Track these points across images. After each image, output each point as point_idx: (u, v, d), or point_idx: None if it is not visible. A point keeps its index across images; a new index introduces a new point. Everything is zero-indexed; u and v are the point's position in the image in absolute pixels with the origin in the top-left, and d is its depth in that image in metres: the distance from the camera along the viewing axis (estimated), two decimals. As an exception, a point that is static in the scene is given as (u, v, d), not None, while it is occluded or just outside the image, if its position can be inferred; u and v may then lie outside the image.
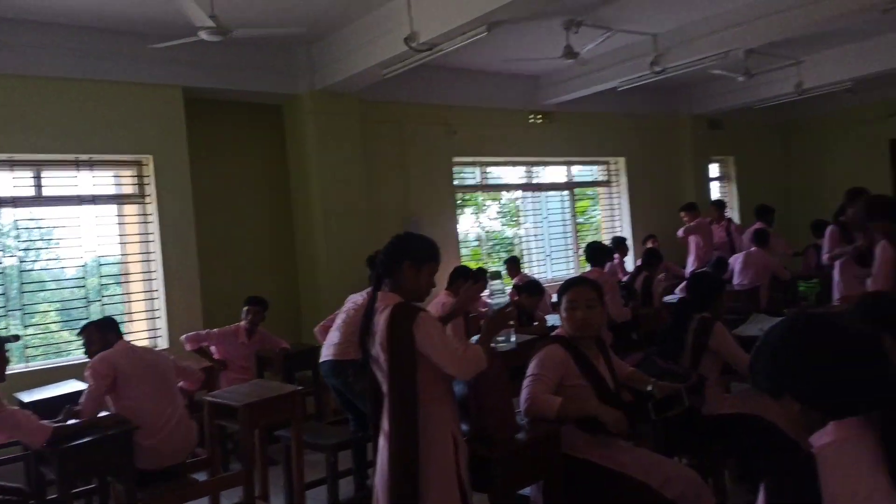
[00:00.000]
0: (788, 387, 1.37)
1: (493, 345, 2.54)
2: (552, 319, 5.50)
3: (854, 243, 5.12)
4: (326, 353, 4.19)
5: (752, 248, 7.31)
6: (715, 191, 10.91)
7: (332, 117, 6.44)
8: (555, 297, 6.35)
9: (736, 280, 7.16)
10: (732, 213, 11.00)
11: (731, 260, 7.56)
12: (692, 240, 8.44)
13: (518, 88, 8.30)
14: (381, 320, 2.44)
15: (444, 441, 2.42)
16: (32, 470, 3.57)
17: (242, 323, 5.26)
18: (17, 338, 3.49)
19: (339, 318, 4.31)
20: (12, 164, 5.23)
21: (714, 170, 11.00)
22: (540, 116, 8.54)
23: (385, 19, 5.48)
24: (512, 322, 2.66)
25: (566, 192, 9.19)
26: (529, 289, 5.58)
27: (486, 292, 2.62)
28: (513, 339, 2.73)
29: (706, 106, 9.98)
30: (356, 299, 4.35)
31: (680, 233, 8.44)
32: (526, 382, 2.82)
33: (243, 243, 6.44)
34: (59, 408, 3.42)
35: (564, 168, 9.18)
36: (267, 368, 5.33)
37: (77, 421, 3.27)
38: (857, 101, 10.34)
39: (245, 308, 5.27)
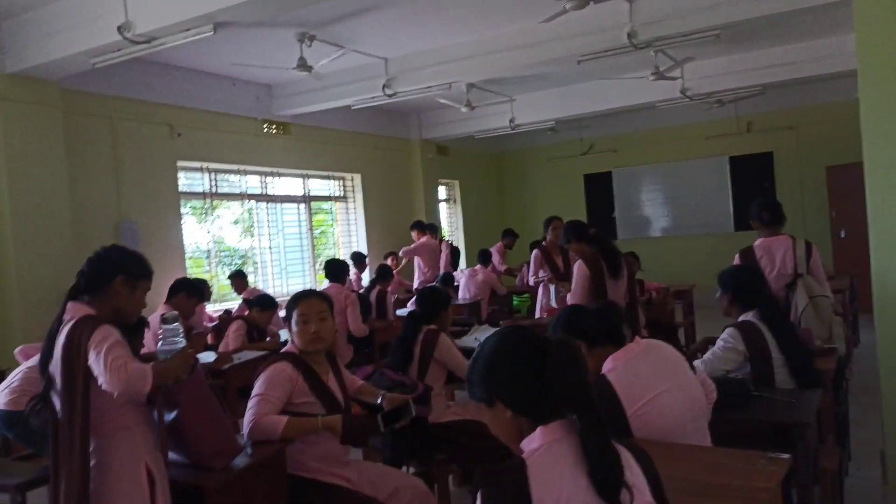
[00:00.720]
0: (499, 395, 1.45)
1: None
2: (285, 335, 5.35)
3: (553, 263, 5.81)
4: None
5: (477, 266, 8.01)
6: (443, 212, 11.65)
7: (27, 106, 5.53)
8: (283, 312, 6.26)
9: (461, 294, 7.71)
10: (457, 232, 11.90)
11: (456, 275, 8.16)
12: (416, 259, 8.87)
13: (251, 95, 8.03)
14: (62, 334, 2.17)
15: (135, 474, 2.21)
16: None
17: None
18: None
19: (33, 360, 3.63)
20: None
21: (442, 192, 11.74)
22: (275, 126, 8.34)
23: (95, 3, 4.89)
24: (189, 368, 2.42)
25: (302, 205, 9.08)
26: (261, 303, 5.35)
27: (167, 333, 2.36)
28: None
29: (434, 132, 10.68)
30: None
31: (401, 252, 8.82)
32: (250, 403, 2.67)
33: None
34: None
35: (300, 180, 9.07)
36: None
37: None
38: (559, 138, 11.87)
39: None
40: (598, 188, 12.22)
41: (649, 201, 11.91)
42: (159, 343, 2.35)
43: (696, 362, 2.91)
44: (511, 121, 9.64)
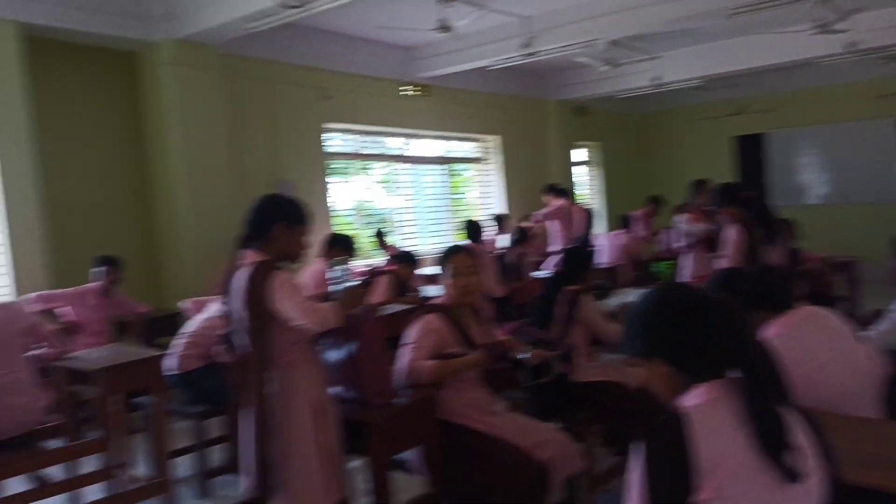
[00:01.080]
0: (659, 350, 1.45)
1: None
2: (425, 291, 5.56)
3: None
4: (169, 365, 3.78)
5: (618, 230, 7.91)
6: (580, 175, 11.44)
7: (193, 70, 5.99)
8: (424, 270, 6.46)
9: (600, 258, 7.62)
10: (598, 196, 11.70)
11: (597, 239, 8.08)
12: (551, 222, 8.76)
13: (393, 58, 8.21)
14: (240, 278, 2.39)
15: (302, 407, 2.42)
16: None
17: (97, 283, 4.82)
18: None
19: (193, 322, 3.97)
20: None
21: (582, 154, 11.50)
22: (417, 88, 8.50)
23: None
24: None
25: (441, 167, 9.24)
26: (407, 259, 5.58)
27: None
28: None
29: (573, 92, 10.41)
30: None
31: (540, 215, 8.68)
32: (403, 351, 2.84)
33: (96, 199, 5.88)
34: None
35: (439, 142, 9.22)
36: (125, 333, 4.95)
37: None
38: (707, 98, 11.23)
39: (102, 268, 4.82)
40: (750, 151, 11.46)
41: (808, 166, 11.05)
42: (331, 287, 2.55)
43: (868, 333, 2.73)
44: (656, 79, 9.24)
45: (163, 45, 5.87)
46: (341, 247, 4.80)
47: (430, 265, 6.66)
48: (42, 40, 5.40)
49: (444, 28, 6.33)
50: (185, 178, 5.93)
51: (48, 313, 4.65)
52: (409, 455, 2.83)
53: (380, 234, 7.14)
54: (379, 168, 8.57)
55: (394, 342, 2.92)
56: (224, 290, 2.49)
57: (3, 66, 5.05)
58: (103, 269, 4.84)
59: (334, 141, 7.84)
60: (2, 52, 5.04)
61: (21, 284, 4.97)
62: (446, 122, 8.96)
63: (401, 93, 8.35)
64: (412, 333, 2.88)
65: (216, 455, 3.71)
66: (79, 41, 5.70)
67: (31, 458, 2.99)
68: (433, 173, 9.16)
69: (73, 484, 3.13)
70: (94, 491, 3.17)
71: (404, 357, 2.82)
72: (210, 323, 3.79)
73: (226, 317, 2.52)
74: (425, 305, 3.11)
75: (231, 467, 3.57)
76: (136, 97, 6.14)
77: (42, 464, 3.04)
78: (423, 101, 8.61)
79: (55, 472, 3.35)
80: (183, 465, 3.72)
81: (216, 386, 3.57)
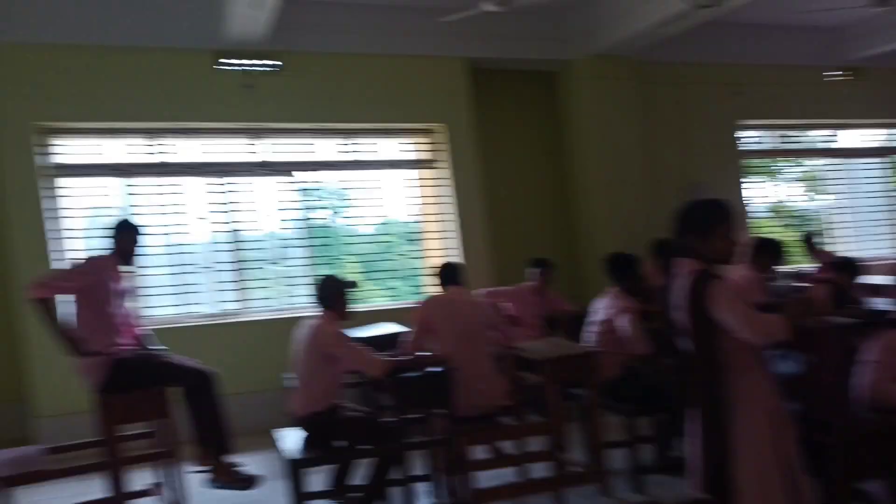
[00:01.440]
0: None
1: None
2: (871, 303, 4.89)
3: None
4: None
5: None
6: None
7: (607, 82, 6.33)
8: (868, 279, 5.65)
9: None
10: None
11: None
12: None
13: (815, 43, 7.46)
14: (680, 287, 2.38)
15: (757, 414, 2.29)
16: (371, 396, 4.09)
17: (534, 282, 5.37)
18: (354, 283, 3.85)
19: (593, 329, 4.15)
20: (328, 133, 5.88)
21: None
22: (850, 74, 7.55)
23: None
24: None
25: (881, 160, 8.04)
26: (848, 266, 4.97)
27: None
28: None
29: None
30: (605, 309, 4.13)
31: None
32: (864, 369, 2.56)
33: (525, 207, 6.59)
34: (380, 346, 3.82)
35: (878, 131, 8.05)
36: (554, 329, 5.33)
37: (405, 357, 3.62)
38: None
39: (538, 269, 5.34)
40: None
41: None
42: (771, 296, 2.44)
43: None
44: None
45: (580, 61, 6.33)
46: (769, 253, 4.49)
47: (876, 273, 5.83)
48: (481, 70, 6.27)
49: (880, 2, 5.57)
50: (601, 185, 6.30)
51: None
52: (874, 486, 2.54)
53: (809, 238, 6.49)
54: (803, 164, 7.83)
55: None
56: (663, 299, 2.53)
57: (456, 97, 6.05)
58: (538, 269, 5.36)
59: (749, 138, 7.44)
60: (455, 85, 6.06)
61: (472, 282, 5.84)
62: (886, 109, 7.75)
63: (825, 79, 7.51)
64: (875, 350, 2.58)
65: (645, 453, 3.80)
66: (509, 67, 6.48)
67: (488, 432, 3.49)
68: (871, 167, 8.00)
69: (522, 459, 3.54)
70: (535, 469, 3.52)
71: (864, 376, 2.54)
72: (605, 328, 3.97)
73: (665, 321, 2.56)
74: (887, 320, 2.75)
75: (663, 467, 3.64)
76: (556, 112, 6.70)
77: (497, 437, 3.51)
78: (855, 87, 7.61)
79: (506, 447, 3.82)
80: (613, 459, 3.90)
81: (637, 390, 3.70)
